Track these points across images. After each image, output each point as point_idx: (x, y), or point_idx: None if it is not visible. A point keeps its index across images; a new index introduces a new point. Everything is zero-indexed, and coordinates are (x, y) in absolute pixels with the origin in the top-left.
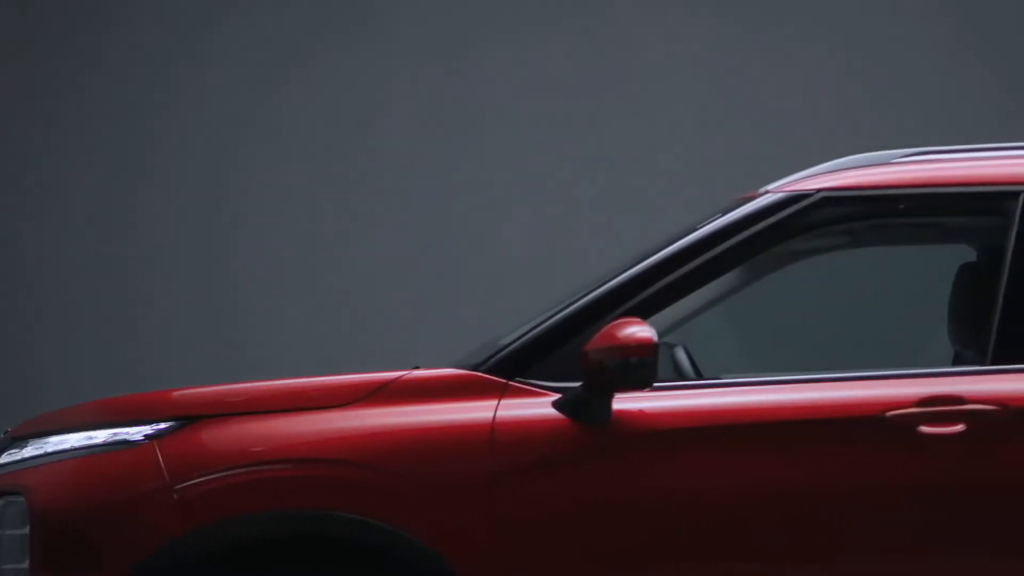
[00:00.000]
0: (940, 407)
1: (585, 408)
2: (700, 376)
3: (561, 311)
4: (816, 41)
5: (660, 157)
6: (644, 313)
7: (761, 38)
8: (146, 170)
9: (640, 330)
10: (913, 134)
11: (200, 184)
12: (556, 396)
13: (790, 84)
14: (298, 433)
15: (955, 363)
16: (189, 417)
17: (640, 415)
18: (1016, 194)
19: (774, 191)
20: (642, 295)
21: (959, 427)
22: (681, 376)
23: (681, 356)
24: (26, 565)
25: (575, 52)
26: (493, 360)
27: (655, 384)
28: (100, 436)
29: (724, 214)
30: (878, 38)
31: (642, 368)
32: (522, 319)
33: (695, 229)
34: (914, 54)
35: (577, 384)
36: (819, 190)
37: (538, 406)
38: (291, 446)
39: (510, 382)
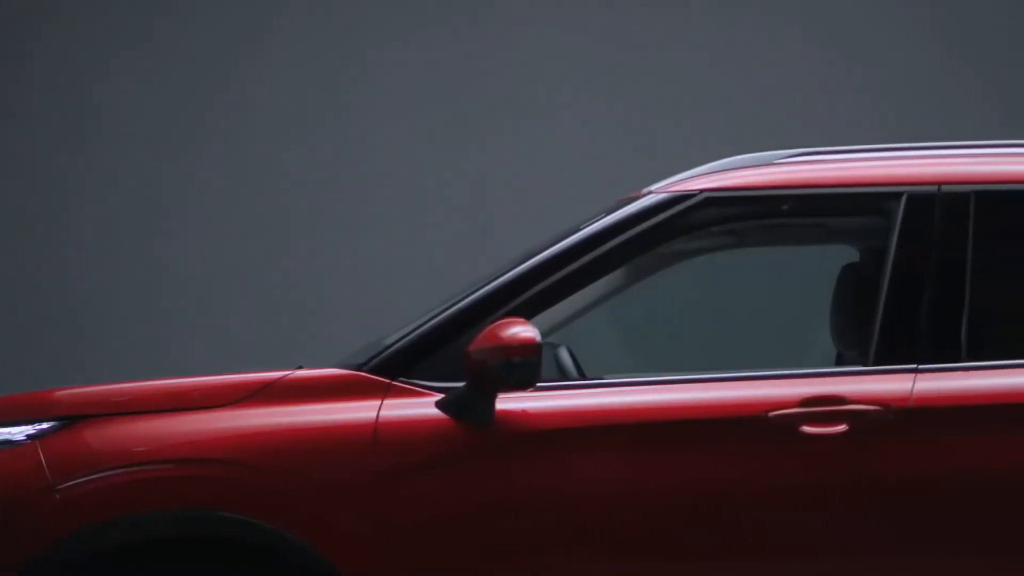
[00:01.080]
0: (822, 407)
1: (468, 408)
2: (583, 376)
3: (444, 311)
4: (703, 39)
5: (545, 156)
6: (527, 313)
7: (642, 37)
8: (73, 170)
9: (523, 330)
10: (806, 134)
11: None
12: (440, 396)
13: (679, 85)
14: (181, 433)
15: (837, 363)
16: (72, 417)
17: (523, 415)
18: (899, 195)
19: (658, 191)
20: (525, 295)
21: (841, 427)
22: (564, 376)
23: (564, 356)
24: None
25: (449, 51)
26: (376, 360)
27: (538, 384)
28: None
29: (608, 214)
30: (771, 37)
31: (525, 368)
32: (408, 318)
33: (579, 229)
34: (805, 52)
35: (461, 384)
36: (702, 190)
37: (421, 406)
38: (174, 446)
39: (393, 382)
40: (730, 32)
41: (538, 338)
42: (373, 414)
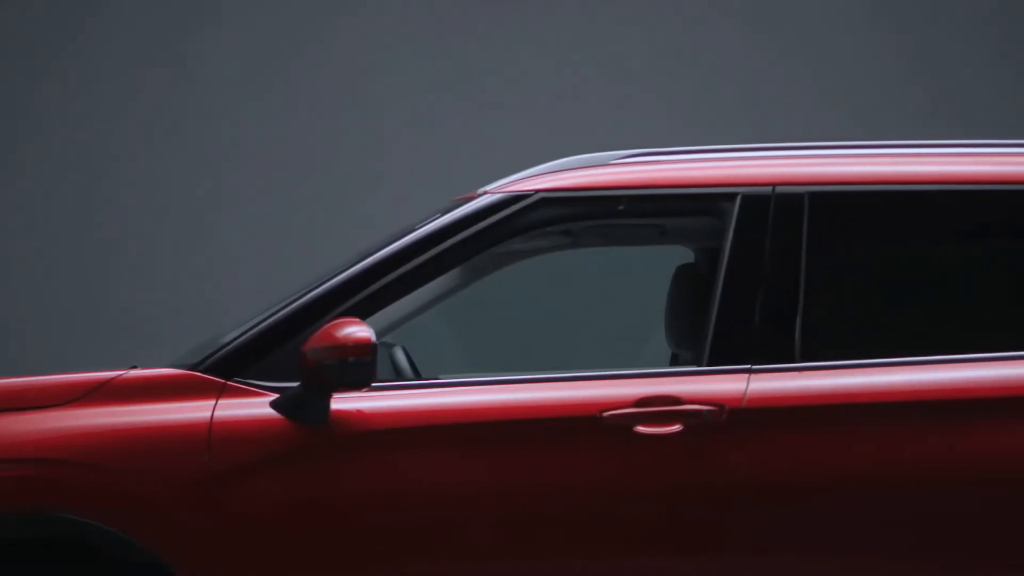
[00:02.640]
0: (657, 407)
1: (303, 408)
2: (419, 376)
3: (279, 311)
4: (548, 38)
5: (389, 157)
6: (363, 313)
7: (484, 34)
8: None
9: (358, 330)
10: (655, 135)
11: None
12: (274, 396)
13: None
14: (13, 433)
15: (672, 364)
16: None
17: (358, 415)
18: (733, 196)
19: (493, 191)
20: (361, 295)
21: (676, 427)
22: (400, 376)
23: (400, 356)
24: None
25: (290, 45)
26: (211, 360)
27: (373, 384)
28: None
29: (443, 214)
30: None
31: (360, 368)
32: (245, 318)
33: (414, 229)
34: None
35: (296, 384)
36: (538, 191)
37: (256, 406)
38: (6, 446)
39: (228, 382)
40: (577, 30)
41: (373, 338)
42: (207, 414)
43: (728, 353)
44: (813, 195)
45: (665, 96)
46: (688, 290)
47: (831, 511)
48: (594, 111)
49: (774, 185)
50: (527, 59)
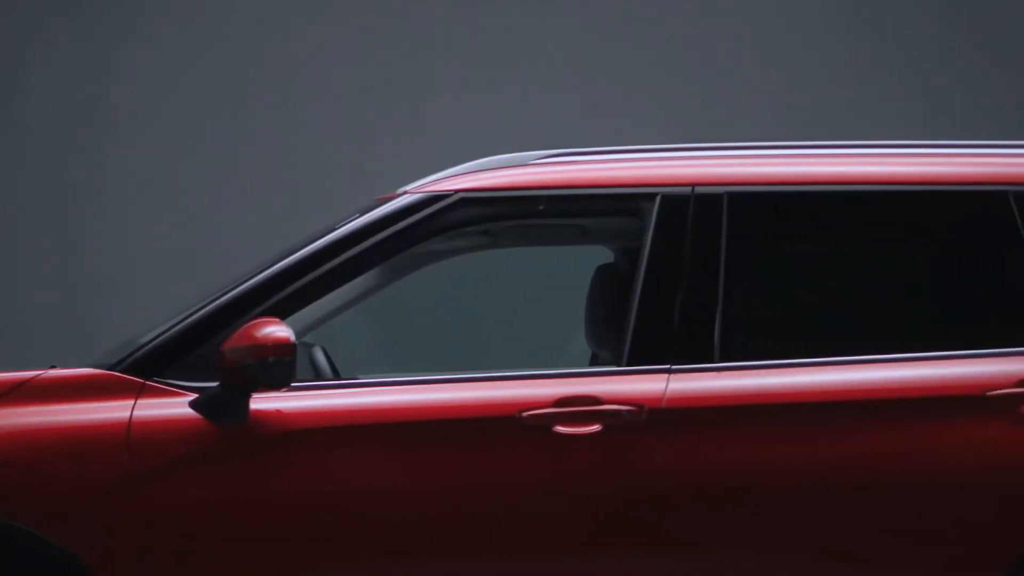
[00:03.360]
0: (576, 407)
1: (222, 408)
2: (338, 376)
3: (199, 310)
4: (473, 38)
5: (306, 155)
6: (282, 313)
7: (403, 36)
8: None
9: (277, 330)
10: (579, 136)
11: None
12: (194, 396)
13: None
14: None
15: (592, 364)
16: None
17: (277, 415)
18: (653, 196)
19: (413, 191)
20: (280, 295)
21: (595, 427)
22: (320, 376)
23: (319, 356)
24: None
25: (193, 47)
26: (130, 360)
27: (293, 384)
28: None
29: (364, 214)
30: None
31: (279, 368)
32: (165, 317)
33: (334, 229)
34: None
35: (215, 384)
36: (457, 191)
37: (175, 406)
38: None
39: (147, 382)
40: (507, 29)
41: (292, 338)
42: (126, 414)
43: (648, 353)
44: (732, 195)
45: (587, 97)
46: (608, 290)
47: (750, 510)
48: (522, 111)
49: (694, 185)
50: (456, 57)
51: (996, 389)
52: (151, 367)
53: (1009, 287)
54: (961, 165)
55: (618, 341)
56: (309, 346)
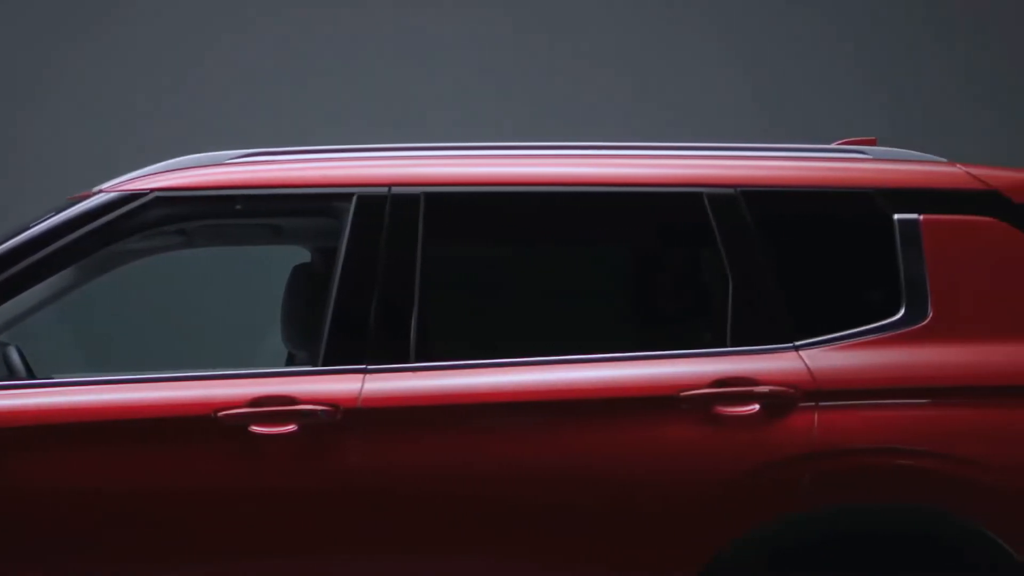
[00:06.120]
0: (272, 407)
1: None
2: (33, 376)
3: None
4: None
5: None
6: None
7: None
8: None
9: None
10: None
11: None
12: None
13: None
14: None
15: (288, 364)
16: None
17: None
18: (349, 196)
19: (108, 190)
20: None
21: (291, 427)
22: (13, 376)
23: (13, 356)
24: None
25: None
26: None
27: None
28: None
29: (57, 213)
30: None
31: None
32: None
33: (28, 228)
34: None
35: None
36: (153, 190)
37: None
38: None
39: None
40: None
41: None
42: None
43: (343, 353)
44: (429, 195)
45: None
46: (304, 290)
47: (443, 508)
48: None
49: (390, 185)
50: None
51: (690, 390)
52: None
53: (703, 288)
54: (658, 167)
55: (314, 341)
56: (3, 345)
